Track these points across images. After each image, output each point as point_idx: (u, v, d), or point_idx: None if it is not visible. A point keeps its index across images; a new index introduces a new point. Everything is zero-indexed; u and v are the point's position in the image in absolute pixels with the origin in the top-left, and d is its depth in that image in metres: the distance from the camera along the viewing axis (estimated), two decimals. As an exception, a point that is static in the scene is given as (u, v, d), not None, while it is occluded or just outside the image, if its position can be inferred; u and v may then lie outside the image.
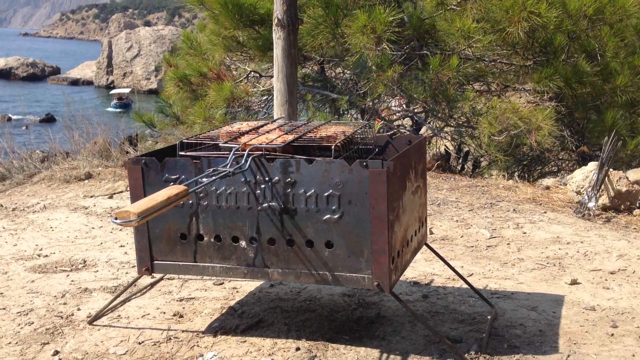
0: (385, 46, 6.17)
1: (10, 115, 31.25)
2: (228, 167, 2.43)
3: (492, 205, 5.09)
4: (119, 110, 34.19)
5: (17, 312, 3.05)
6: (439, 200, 5.22)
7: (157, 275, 3.41)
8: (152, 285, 3.37)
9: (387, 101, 7.64)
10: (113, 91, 43.06)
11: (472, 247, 4.07)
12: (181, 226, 2.62)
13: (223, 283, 3.37)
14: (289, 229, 2.47)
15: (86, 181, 6.05)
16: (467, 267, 3.68)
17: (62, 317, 2.99)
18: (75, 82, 55.42)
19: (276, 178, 2.46)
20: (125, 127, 9.28)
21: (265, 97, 7.47)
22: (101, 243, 4.20)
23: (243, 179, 2.50)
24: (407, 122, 7.83)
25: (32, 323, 2.93)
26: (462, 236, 4.28)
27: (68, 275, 3.58)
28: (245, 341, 2.69)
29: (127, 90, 42.17)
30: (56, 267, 3.72)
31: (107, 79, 51.57)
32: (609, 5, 6.45)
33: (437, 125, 7.38)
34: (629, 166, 6.30)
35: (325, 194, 2.41)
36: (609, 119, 6.32)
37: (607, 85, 6.58)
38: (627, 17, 6.61)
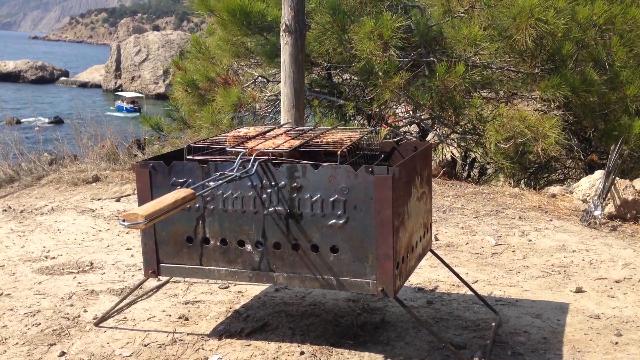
0: (392, 52, 6.18)
1: (18, 118, 31.41)
2: (235, 171, 2.45)
3: (497, 213, 5.09)
4: (134, 114, 34.25)
5: (25, 313, 3.08)
6: (445, 206, 5.22)
7: (163, 278, 3.43)
8: (158, 288, 3.39)
9: (394, 107, 7.65)
10: (126, 94, 43.12)
11: (477, 254, 4.07)
12: (188, 229, 2.64)
13: (228, 287, 3.39)
14: (295, 233, 2.49)
15: (94, 184, 6.09)
16: (472, 274, 3.68)
17: (68, 319, 3.01)
18: (83, 85, 55.80)
19: (282, 183, 2.48)
20: (133, 131, 9.32)
21: (272, 102, 7.50)
22: (108, 245, 4.22)
23: (249, 184, 2.52)
24: (414, 128, 7.84)
25: (39, 324, 2.95)
26: (467, 243, 4.29)
27: (75, 277, 3.61)
28: (250, 345, 2.71)
29: (137, 94, 42.32)
30: (63, 269, 3.75)
31: (115, 83, 51.85)
32: (620, 16, 6.44)
33: (444, 132, 7.38)
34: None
35: (331, 199, 2.42)
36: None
37: (615, 94, 6.56)
38: (638, 27, 6.59)
